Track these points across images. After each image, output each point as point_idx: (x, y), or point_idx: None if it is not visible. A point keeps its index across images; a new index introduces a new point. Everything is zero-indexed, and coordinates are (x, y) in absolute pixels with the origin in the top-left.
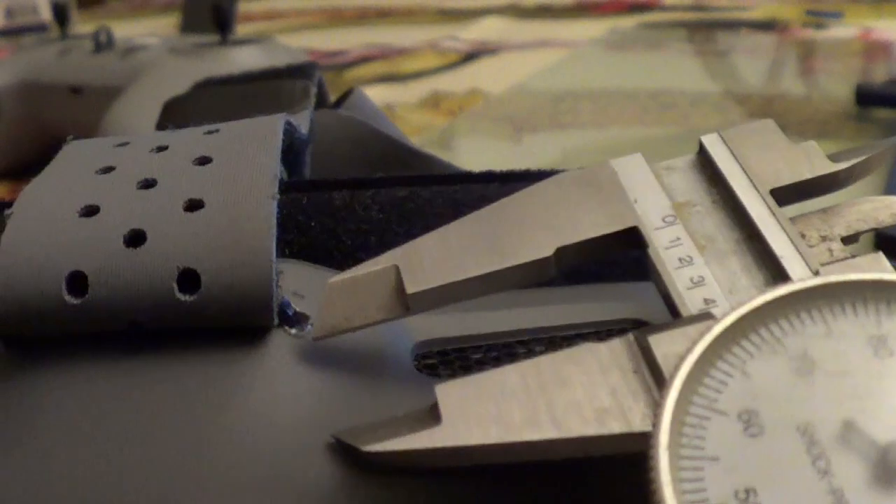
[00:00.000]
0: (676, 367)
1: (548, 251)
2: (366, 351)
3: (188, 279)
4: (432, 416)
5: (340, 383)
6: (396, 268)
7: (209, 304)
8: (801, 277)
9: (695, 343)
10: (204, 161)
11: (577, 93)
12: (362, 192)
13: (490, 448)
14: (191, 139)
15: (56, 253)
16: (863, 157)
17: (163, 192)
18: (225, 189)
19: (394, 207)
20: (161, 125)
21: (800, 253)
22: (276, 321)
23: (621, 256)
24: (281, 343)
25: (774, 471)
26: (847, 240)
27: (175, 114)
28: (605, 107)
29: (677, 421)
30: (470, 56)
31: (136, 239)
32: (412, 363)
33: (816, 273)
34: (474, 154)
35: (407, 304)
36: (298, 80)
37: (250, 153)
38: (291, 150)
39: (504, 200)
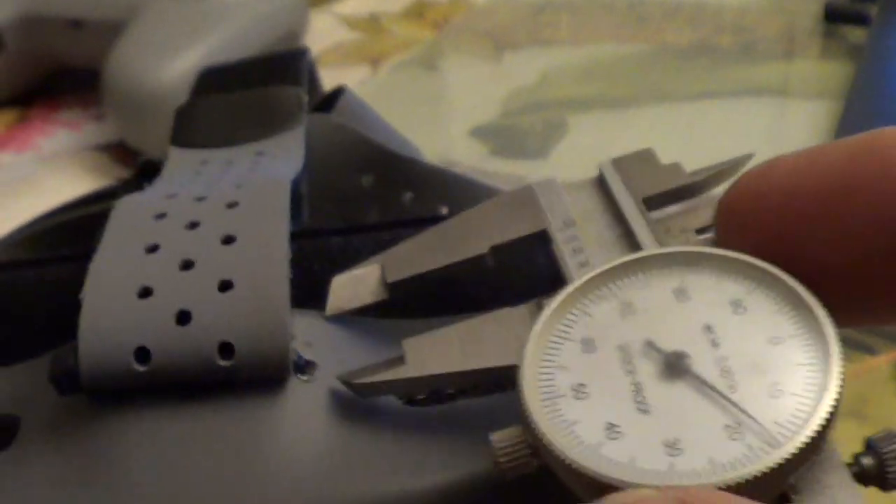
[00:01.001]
0: (545, 308)
1: (485, 248)
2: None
3: (225, 348)
4: (400, 359)
5: (347, 420)
6: (381, 265)
7: (242, 366)
8: None
9: (559, 295)
10: (229, 240)
11: (557, 3)
12: (355, 237)
13: (438, 377)
14: (217, 215)
15: (124, 332)
16: (714, 172)
17: (200, 272)
18: (249, 269)
19: (381, 248)
20: (175, 135)
21: (656, 243)
22: (291, 372)
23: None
24: (295, 389)
25: (598, 373)
26: (701, 230)
27: (185, 124)
28: (583, 20)
29: (541, 344)
30: None
31: (183, 317)
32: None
33: None
34: (458, 74)
35: (388, 289)
36: (291, 87)
37: (266, 231)
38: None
39: (457, 216)
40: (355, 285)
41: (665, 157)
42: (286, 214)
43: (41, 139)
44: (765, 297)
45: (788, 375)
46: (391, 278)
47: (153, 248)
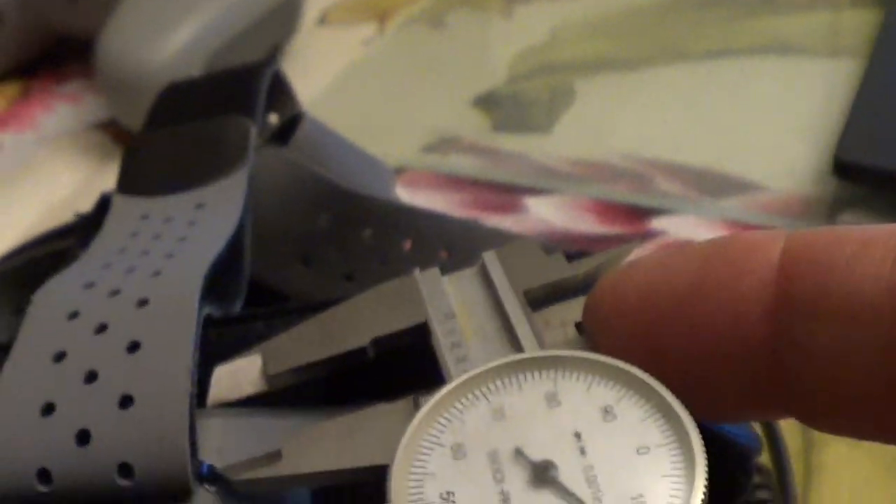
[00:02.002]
0: (416, 414)
1: (366, 341)
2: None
3: (125, 468)
4: (278, 455)
5: None
6: (261, 356)
7: (142, 486)
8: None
9: (431, 399)
10: (134, 347)
11: None
12: (277, 321)
13: (314, 475)
14: (125, 316)
15: (27, 452)
16: (596, 263)
17: (102, 386)
18: (150, 383)
19: None
20: (120, 179)
21: (535, 336)
22: (196, 485)
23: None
24: (201, 499)
25: (467, 481)
26: (580, 324)
27: (131, 165)
28: None
29: (411, 450)
30: None
31: (83, 437)
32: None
33: None
34: (466, 32)
35: (269, 381)
36: (242, 119)
37: (172, 339)
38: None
39: (340, 305)
40: (237, 376)
41: (675, 125)
42: (193, 320)
43: (42, 115)
44: (634, 404)
45: (653, 487)
46: (271, 371)
47: (60, 356)
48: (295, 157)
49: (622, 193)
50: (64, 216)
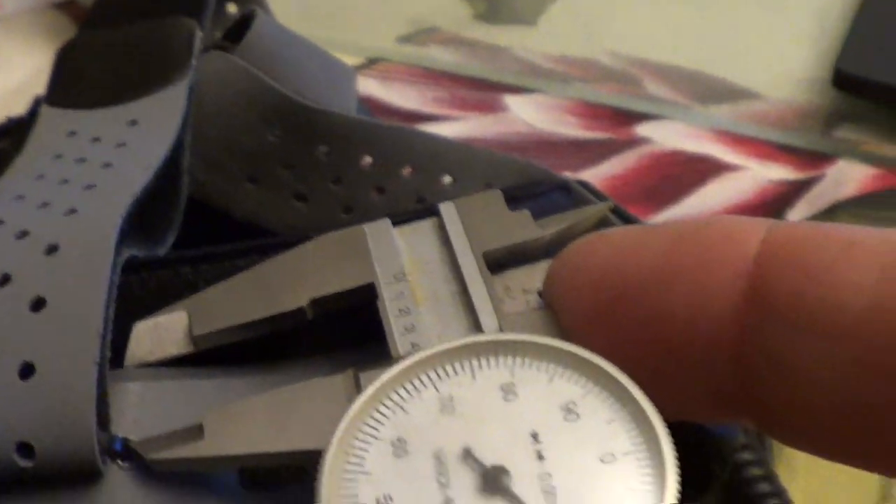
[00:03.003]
0: (352, 403)
1: (304, 301)
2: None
3: (25, 448)
4: (199, 432)
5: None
6: (188, 314)
7: (44, 466)
8: (488, 326)
9: (373, 383)
10: (39, 305)
11: None
12: (205, 265)
13: (239, 457)
14: (32, 266)
15: None
16: (565, 225)
17: (4, 352)
18: (54, 349)
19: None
20: (50, 87)
21: (492, 304)
22: (104, 464)
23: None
24: (112, 478)
25: (408, 483)
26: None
27: (62, 72)
28: None
29: (345, 444)
30: None
31: None
32: (235, 478)
33: (500, 328)
34: None
35: (195, 342)
36: (186, 21)
37: (81, 296)
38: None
39: (279, 257)
40: (159, 334)
41: (668, 23)
42: (106, 272)
43: None
44: (600, 402)
45: (617, 502)
46: (198, 331)
47: None
48: (244, 64)
49: (608, 95)
50: (19, 102)
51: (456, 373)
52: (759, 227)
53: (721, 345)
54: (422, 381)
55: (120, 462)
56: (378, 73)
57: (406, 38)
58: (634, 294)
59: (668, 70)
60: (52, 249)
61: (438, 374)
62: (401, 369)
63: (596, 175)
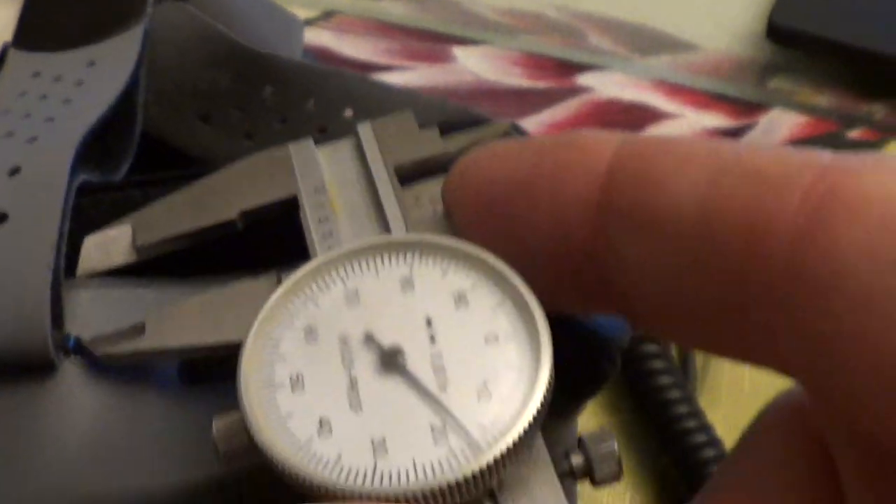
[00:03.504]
0: (270, 298)
1: (234, 213)
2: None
3: None
4: (142, 329)
5: (118, 395)
6: (131, 226)
7: (2, 362)
8: (396, 232)
9: (288, 279)
10: (2, 219)
11: None
12: (153, 189)
13: (176, 350)
14: None
15: None
16: (470, 140)
17: None
18: (13, 257)
19: None
20: (17, 31)
21: (402, 214)
22: (58, 359)
23: None
24: (67, 370)
25: (316, 364)
26: None
27: (28, 16)
28: None
29: (263, 332)
30: None
31: None
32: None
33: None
34: None
35: (138, 251)
36: None
37: (39, 211)
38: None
39: (213, 174)
40: (107, 246)
41: None
42: (62, 189)
43: None
44: (488, 292)
45: (499, 377)
46: (140, 241)
47: None
48: (195, 12)
49: (552, 47)
50: None
51: (362, 270)
52: (611, 140)
53: (577, 246)
54: (332, 277)
55: (72, 357)
56: (333, 25)
57: None
58: (506, 201)
59: (610, 23)
60: (14, 171)
61: (346, 271)
62: (313, 266)
63: (538, 122)
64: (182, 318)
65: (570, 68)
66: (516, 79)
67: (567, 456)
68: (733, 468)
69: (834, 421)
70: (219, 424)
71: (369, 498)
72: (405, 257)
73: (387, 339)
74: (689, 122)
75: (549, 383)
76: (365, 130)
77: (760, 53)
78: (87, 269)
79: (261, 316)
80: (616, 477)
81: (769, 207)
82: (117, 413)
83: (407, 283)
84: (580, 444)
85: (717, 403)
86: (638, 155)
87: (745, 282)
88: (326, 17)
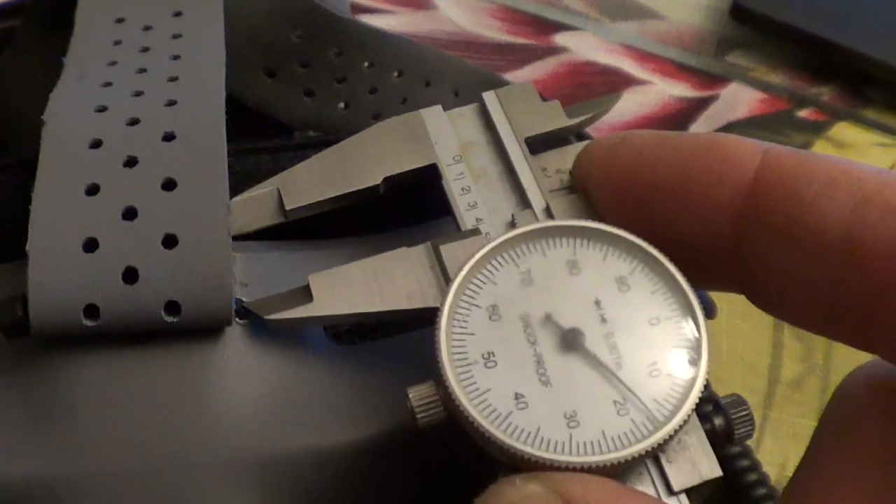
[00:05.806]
0: (455, 275)
1: (378, 179)
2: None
3: (172, 306)
4: (308, 295)
5: (282, 357)
6: (278, 189)
7: (188, 322)
8: (536, 204)
9: (466, 260)
10: (170, 185)
11: None
12: (282, 155)
13: (344, 316)
14: (154, 151)
15: (74, 289)
16: (590, 115)
17: (143, 224)
18: (192, 223)
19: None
20: None
21: (538, 185)
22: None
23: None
24: (234, 332)
25: (504, 342)
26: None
27: None
28: None
29: (453, 310)
30: None
31: (130, 275)
32: (325, 335)
33: (546, 205)
34: None
35: (286, 214)
36: None
37: (206, 177)
38: None
39: (349, 140)
40: (254, 207)
41: None
42: (223, 156)
43: None
44: (646, 277)
45: (665, 356)
46: (290, 205)
47: (93, 190)
48: None
49: (527, 3)
50: None
51: (531, 251)
52: (755, 151)
53: (721, 244)
54: (504, 259)
55: (237, 320)
56: None
57: None
58: (654, 197)
59: None
60: (168, 137)
61: (517, 253)
62: (488, 249)
63: (518, 77)
64: (347, 286)
65: (546, 26)
66: (496, 32)
67: (709, 418)
68: (827, 459)
69: None
70: (414, 395)
71: (567, 468)
72: (569, 241)
73: (564, 320)
74: (657, 90)
75: (709, 360)
76: (491, 99)
77: (721, 28)
78: (237, 229)
79: (450, 295)
80: (750, 436)
81: None
82: (282, 375)
83: (573, 266)
84: (718, 407)
85: None
86: (784, 170)
87: (883, 295)
88: None
